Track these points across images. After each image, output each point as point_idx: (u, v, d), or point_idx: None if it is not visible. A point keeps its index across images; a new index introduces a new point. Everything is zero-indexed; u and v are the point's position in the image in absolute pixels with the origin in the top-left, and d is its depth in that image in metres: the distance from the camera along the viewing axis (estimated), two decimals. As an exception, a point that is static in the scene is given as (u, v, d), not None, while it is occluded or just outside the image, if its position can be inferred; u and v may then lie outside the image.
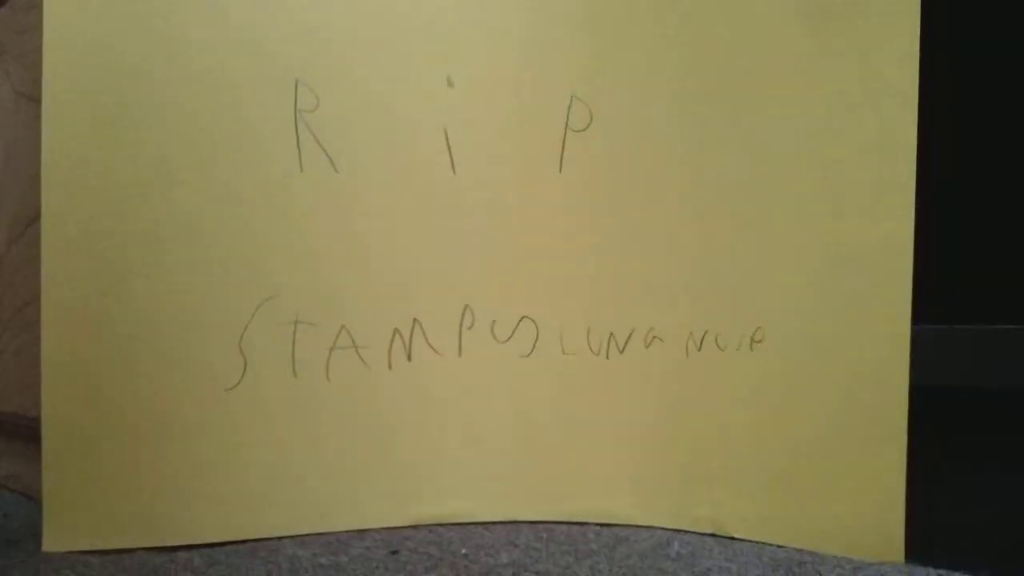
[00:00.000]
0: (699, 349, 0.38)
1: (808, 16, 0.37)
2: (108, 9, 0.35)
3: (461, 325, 0.38)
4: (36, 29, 0.35)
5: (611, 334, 0.38)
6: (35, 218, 0.36)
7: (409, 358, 0.37)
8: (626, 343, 0.38)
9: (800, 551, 0.36)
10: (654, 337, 0.38)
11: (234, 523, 0.36)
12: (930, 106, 0.37)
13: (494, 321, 0.38)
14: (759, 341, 0.37)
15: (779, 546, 0.37)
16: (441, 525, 0.37)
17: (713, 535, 0.37)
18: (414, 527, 0.37)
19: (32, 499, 0.39)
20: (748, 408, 0.37)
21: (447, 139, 0.37)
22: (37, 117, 0.35)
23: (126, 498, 0.35)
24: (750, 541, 0.37)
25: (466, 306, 0.38)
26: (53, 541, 0.35)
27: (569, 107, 0.37)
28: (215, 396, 0.36)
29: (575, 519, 0.38)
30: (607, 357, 0.38)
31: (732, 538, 0.37)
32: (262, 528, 0.36)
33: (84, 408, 0.35)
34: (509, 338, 0.38)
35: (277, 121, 0.36)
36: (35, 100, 0.36)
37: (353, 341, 0.37)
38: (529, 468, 0.38)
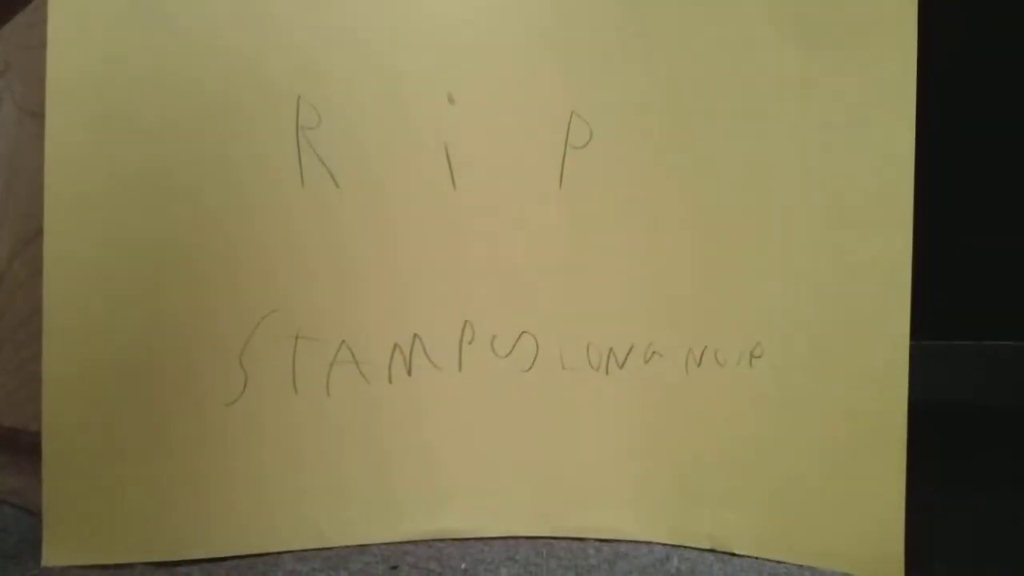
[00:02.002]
0: (698, 365, 0.38)
1: (805, 32, 0.37)
2: (112, 26, 0.35)
3: (461, 340, 0.38)
4: (41, 46, 0.35)
5: (611, 349, 0.38)
6: (38, 234, 0.36)
7: (409, 373, 0.38)
8: (626, 359, 0.38)
9: (799, 567, 0.36)
10: (653, 352, 0.38)
11: (234, 538, 0.36)
12: (928, 119, 0.37)
13: (494, 336, 0.38)
14: (758, 357, 0.38)
15: (778, 562, 0.37)
16: (441, 540, 0.37)
17: (712, 551, 0.37)
18: (414, 542, 0.37)
19: (32, 513, 0.39)
20: (747, 423, 0.38)
21: (448, 155, 0.37)
22: (40, 133, 0.35)
23: (126, 513, 0.35)
24: (749, 557, 0.37)
25: (466, 321, 0.38)
26: (53, 555, 0.35)
27: (569, 124, 0.38)
28: (216, 411, 0.36)
29: (575, 534, 0.38)
30: (607, 372, 0.38)
31: (731, 554, 0.37)
32: (262, 543, 0.36)
33: (85, 422, 0.35)
34: (509, 353, 0.38)
35: (279, 137, 0.36)
36: (39, 116, 0.36)
37: (353, 356, 0.37)
38: (529, 483, 0.38)
